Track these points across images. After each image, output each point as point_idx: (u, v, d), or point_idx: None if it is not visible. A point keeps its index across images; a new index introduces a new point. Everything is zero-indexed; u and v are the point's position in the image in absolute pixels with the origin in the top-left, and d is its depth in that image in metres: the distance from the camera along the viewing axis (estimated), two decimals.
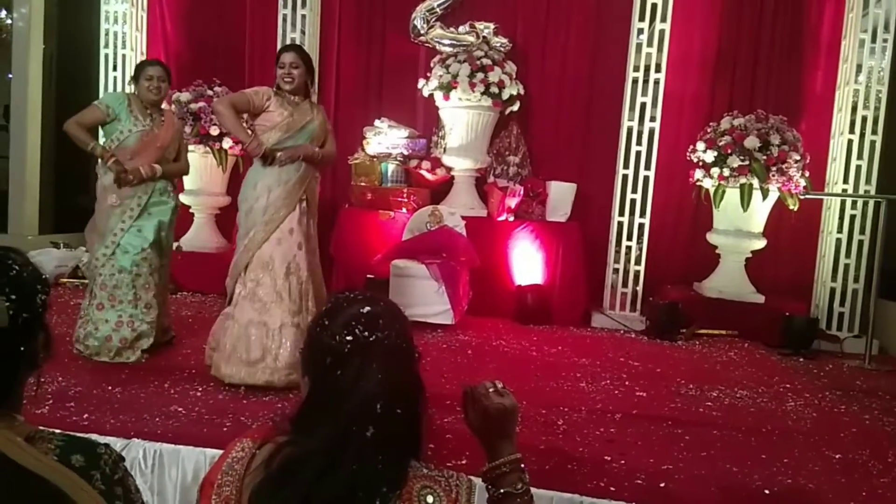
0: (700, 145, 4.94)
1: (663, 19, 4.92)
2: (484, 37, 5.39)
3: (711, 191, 4.95)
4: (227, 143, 5.33)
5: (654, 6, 4.91)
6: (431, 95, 5.37)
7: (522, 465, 1.20)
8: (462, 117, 5.30)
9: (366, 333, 1.04)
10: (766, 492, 2.39)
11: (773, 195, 4.85)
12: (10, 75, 6.47)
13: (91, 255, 3.60)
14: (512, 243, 5.09)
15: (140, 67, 3.68)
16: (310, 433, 1.03)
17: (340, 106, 5.86)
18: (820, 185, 5.03)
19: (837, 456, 2.77)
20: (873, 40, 4.80)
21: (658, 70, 4.95)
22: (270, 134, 3.21)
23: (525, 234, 5.08)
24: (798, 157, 4.77)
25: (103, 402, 2.83)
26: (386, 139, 5.40)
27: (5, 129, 6.59)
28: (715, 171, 4.84)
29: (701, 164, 4.95)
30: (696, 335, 4.78)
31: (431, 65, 5.44)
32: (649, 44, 4.94)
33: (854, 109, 4.84)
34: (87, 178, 3.60)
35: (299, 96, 3.30)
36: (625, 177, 5.03)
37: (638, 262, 5.07)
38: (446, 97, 5.24)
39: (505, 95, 5.24)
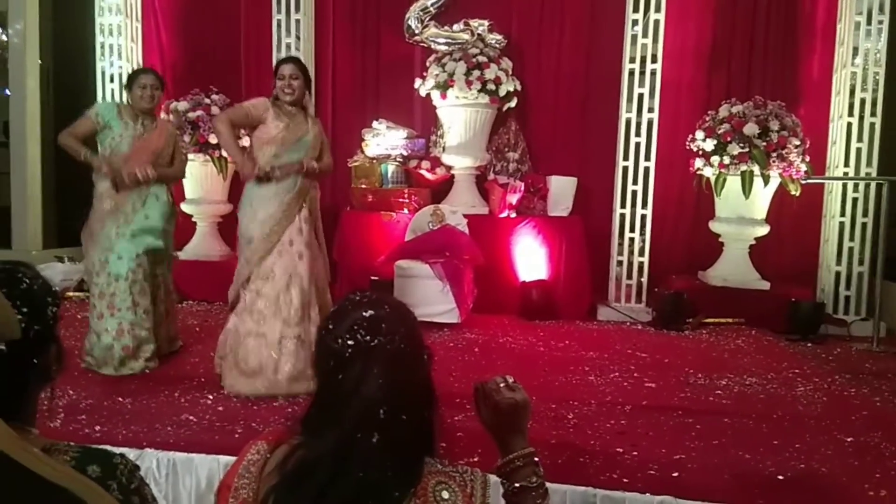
0: (699, 134, 4.94)
1: (658, 9, 4.91)
2: (479, 34, 5.39)
3: (712, 179, 4.94)
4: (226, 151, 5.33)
5: None
6: (428, 95, 5.37)
7: (536, 459, 1.20)
8: (460, 115, 5.30)
9: (367, 338, 1.03)
10: (780, 477, 2.38)
11: (775, 181, 4.84)
12: (8, 91, 6.48)
13: (87, 261, 3.61)
14: (514, 239, 5.09)
15: (133, 76, 3.68)
16: (319, 435, 1.03)
17: (338, 109, 5.88)
18: (821, 169, 5.03)
19: (849, 439, 2.76)
20: (868, 22, 4.79)
21: (654, 60, 4.94)
22: (266, 148, 3.20)
23: (527, 230, 5.08)
24: (798, 143, 4.76)
25: (114, 413, 2.84)
26: (385, 140, 5.41)
27: (5, 146, 6.61)
28: (715, 159, 4.83)
29: (701, 152, 4.95)
30: (703, 324, 4.77)
31: (427, 64, 5.44)
32: (644, 34, 4.94)
33: (852, 92, 4.84)
34: (89, 191, 3.60)
35: (296, 108, 3.31)
36: (625, 168, 5.02)
37: (641, 254, 5.06)
38: (443, 96, 5.24)
39: (502, 92, 5.24)
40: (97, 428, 2.66)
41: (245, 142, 3.80)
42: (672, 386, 3.45)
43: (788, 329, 4.59)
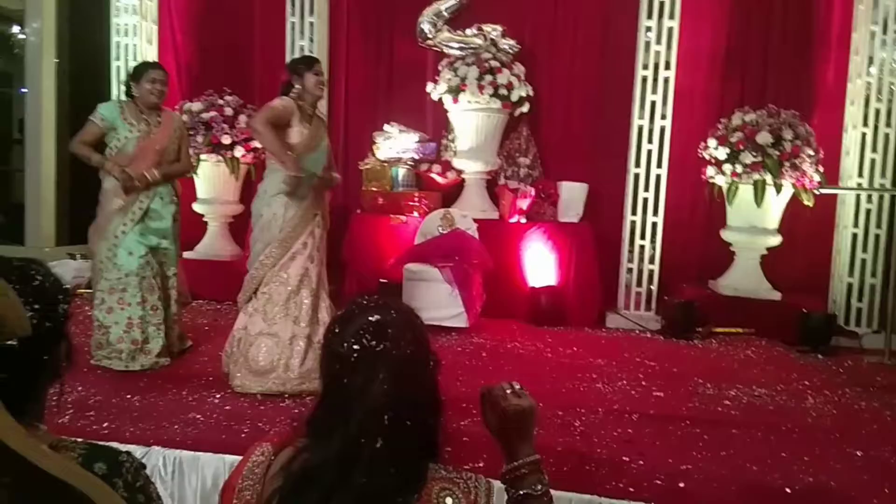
0: (712, 142, 4.91)
1: (671, 16, 4.90)
2: (492, 39, 5.39)
3: (724, 188, 4.91)
4: (238, 151, 5.36)
5: (661, 3, 4.90)
6: (440, 99, 5.37)
7: (542, 467, 1.19)
8: (471, 120, 5.30)
9: (373, 343, 1.03)
10: (788, 490, 2.37)
11: (787, 191, 4.81)
12: (24, 89, 6.55)
13: (94, 257, 3.63)
14: (524, 245, 5.08)
15: (142, 69, 3.62)
16: (324, 437, 1.03)
17: (350, 111, 5.90)
18: (834, 179, 4.98)
19: (859, 453, 2.74)
20: (884, 32, 4.76)
21: (667, 67, 4.93)
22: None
23: (537, 236, 5.07)
24: (811, 152, 4.72)
25: (122, 410, 2.86)
26: (396, 144, 5.42)
27: (20, 143, 6.67)
28: (727, 167, 4.80)
29: (713, 160, 4.92)
30: (713, 334, 4.74)
31: (440, 68, 5.45)
32: (658, 41, 4.93)
33: (867, 102, 4.80)
34: (101, 189, 3.63)
35: (313, 109, 3.34)
36: (636, 175, 5.01)
37: (652, 261, 5.04)
38: (455, 100, 5.24)
39: (514, 97, 5.23)
40: (105, 424, 2.68)
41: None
42: (680, 395, 3.43)
43: (799, 340, 4.55)
